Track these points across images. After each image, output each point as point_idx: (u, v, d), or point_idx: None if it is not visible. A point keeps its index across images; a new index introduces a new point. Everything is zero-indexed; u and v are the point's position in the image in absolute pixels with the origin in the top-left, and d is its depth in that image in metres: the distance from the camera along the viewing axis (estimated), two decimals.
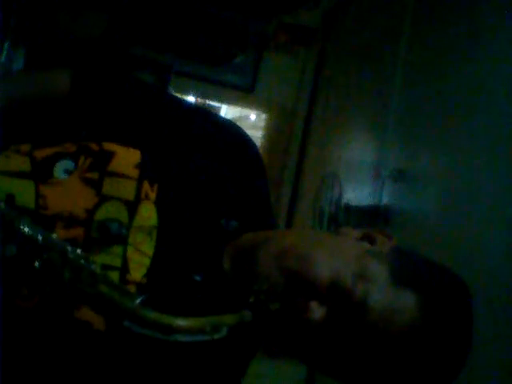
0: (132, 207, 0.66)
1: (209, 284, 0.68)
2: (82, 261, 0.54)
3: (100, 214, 0.64)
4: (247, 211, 0.77)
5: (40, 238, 0.55)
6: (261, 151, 0.86)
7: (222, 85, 3.32)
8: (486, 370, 1.32)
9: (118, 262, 0.63)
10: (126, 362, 0.63)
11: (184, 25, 3.18)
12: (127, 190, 0.66)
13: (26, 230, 0.55)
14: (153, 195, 0.68)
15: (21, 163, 0.67)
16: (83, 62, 0.86)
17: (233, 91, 3.35)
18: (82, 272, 0.54)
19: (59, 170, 0.67)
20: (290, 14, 3.18)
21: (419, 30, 2.18)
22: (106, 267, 0.61)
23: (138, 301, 0.53)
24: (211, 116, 0.87)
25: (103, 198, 0.65)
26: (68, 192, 0.65)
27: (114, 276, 0.62)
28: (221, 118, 0.91)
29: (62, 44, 2.80)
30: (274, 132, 3.42)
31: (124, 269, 0.63)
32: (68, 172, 0.67)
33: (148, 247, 0.65)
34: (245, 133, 0.84)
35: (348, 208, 2.40)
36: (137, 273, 0.64)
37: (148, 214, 0.67)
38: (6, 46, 2.50)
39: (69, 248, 0.55)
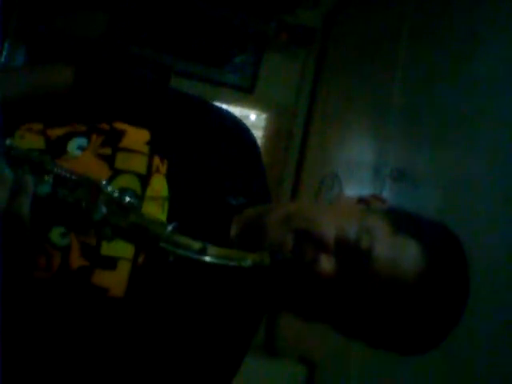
0: (144, 180, 0.68)
1: None
2: (117, 194, 0.57)
3: (114, 187, 0.67)
4: (249, 190, 0.80)
5: (73, 176, 0.57)
6: (261, 151, 0.89)
7: (222, 85, 3.32)
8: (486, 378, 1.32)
9: None
10: (142, 328, 0.64)
11: (184, 25, 3.18)
12: (139, 164, 0.69)
13: (59, 170, 0.57)
14: (163, 169, 0.71)
15: (35, 141, 0.69)
16: (85, 58, 0.89)
17: (233, 91, 3.35)
18: (117, 204, 0.56)
19: (73, 146, 0.70)
20: (289, 14, 3.17)
21: (419, 29, 2.17)
22: None
23: (169, 228, 0.55)
24: (210, 104, 0.90)
25: (116, 172, 0.68)
26: (82, 166, 0.67)
27: (130, 245, 0.64)
28: (218, 106, 0.95)
29: (62, 44, 2.80)
30: (273, 132, 3.42)
31: None
32: (81, 148, 0.69)
33: (160, 217, 0.67)
34: (240, 120, 0.89)
35: None
36: None
37: (159, 186, 0.69)
38: (5, 45, 2.50)
39: (103, 182, 0.57)
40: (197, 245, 0.55)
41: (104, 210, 0.55)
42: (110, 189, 0.57)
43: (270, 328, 2.72)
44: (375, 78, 2.52)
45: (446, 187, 1.72)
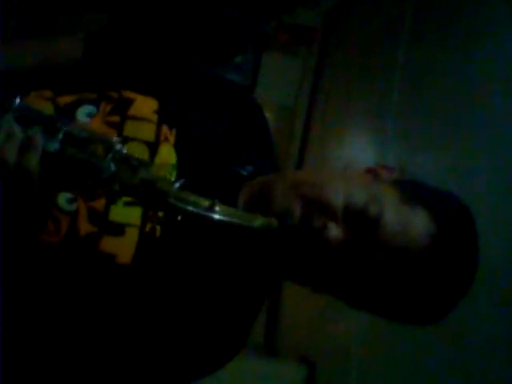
0: (153, 148, 0.68)
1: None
2: (126, 151, 0.57)
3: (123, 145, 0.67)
4: (258, 161, 0.79)
5: (84, 134, 0.57)
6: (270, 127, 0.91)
7: None
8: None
9: None
10: (149, 296, 0.64)
11: (184, 25, 3.18)
12: (147, 132, 0.69)
13: (69, 127, 0.57)
14: (171, 138, 0.71)
15: (44, 108, 0.69)
16: (93, 31, 0.89)
17: None
18: (126, 162, 0.56)
19: (82, 113, 0.70)
20: (290, 14, 3.17)
21: (419, 29, 2.17)
22: (128, 203, 0.64)
23: (177, 185, 0.55)
24: (219, 76, 0.92)
25: (125, 140, 0.68)
26: None
27: (137, 212, 0.64)
28: (228, 79, 0.95)
29: None
30: (274, 132, 3.41)
31: None
32: (90, 116, 0.70)
33: None
34: (250, 95, 0.90)
35: None
36: None
37: (167, 154, 0.69)
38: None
39: (114, 139, 0.57)
40: (205, 202, 0.55)
41: (113, 167, 0.55)
42: (119, 147, 0.56)
43: (270, 328, 2.72)
44: (375, 77, 2.52)
45: (446, 187, 1.72)
